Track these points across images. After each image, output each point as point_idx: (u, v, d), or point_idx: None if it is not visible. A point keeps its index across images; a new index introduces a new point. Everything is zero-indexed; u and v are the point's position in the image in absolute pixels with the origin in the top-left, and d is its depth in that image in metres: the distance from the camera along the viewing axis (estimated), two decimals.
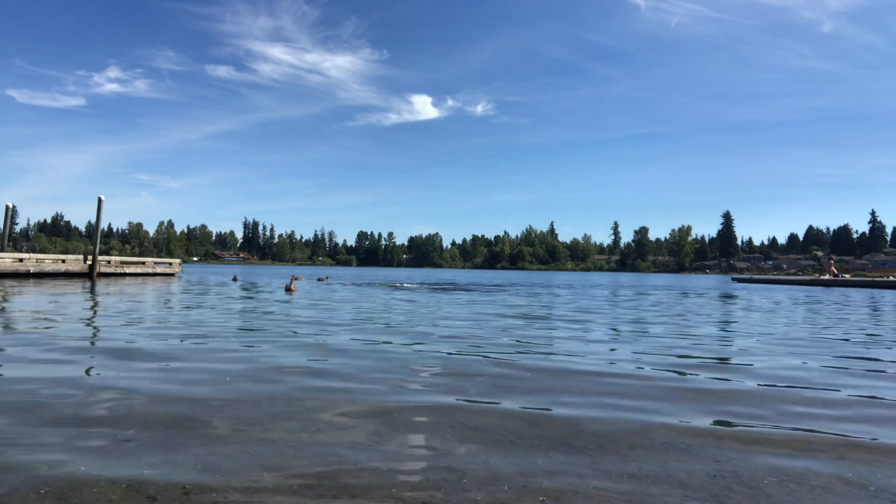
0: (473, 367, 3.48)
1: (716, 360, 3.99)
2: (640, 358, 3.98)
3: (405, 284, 17.94)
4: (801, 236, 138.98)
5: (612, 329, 5.92)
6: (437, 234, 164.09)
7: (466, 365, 3.57)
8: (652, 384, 3.08)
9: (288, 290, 12.12)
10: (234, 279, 20.58)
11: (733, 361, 3.99)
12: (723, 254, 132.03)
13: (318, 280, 20.25)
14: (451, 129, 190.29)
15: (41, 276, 15.98)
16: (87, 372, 3.14)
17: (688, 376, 3.35)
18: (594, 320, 6.88)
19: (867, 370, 3.71)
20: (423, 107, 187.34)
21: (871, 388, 3.09)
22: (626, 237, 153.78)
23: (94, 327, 5.28)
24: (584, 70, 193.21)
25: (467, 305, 9.01)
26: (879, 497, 1.61)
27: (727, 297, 14.41)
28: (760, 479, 1.72)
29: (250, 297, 9.81)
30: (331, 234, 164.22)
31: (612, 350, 4.40)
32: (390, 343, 4.50)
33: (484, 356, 3.90)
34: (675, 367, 3.67)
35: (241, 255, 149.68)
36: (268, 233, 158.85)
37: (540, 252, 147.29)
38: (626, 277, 50.67)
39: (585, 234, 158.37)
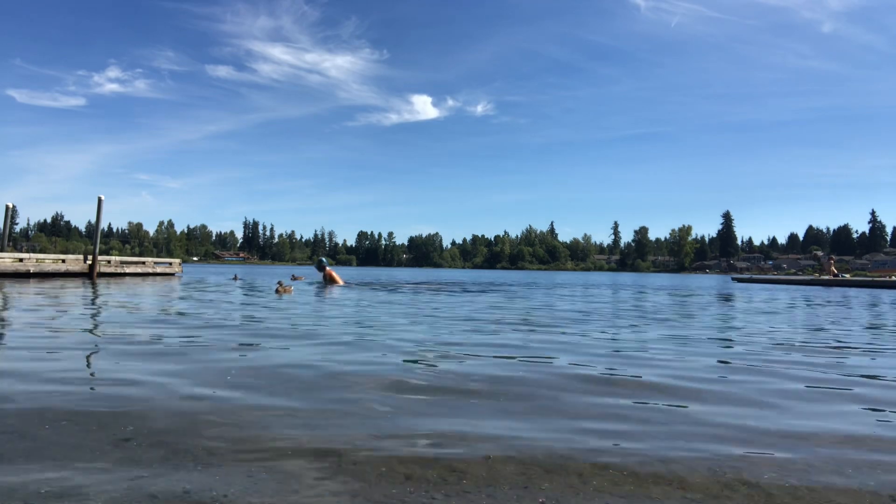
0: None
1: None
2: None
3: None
4: (801, 236, 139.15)
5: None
6: (437, 234, 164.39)
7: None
8: None
9: (278, 291, 10.86)
10: (235, 278, 20.59)
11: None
12: (723, 254, 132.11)
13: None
14: (451, 129, 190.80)
15: (41, 275, 15.97)
16: None
17: None
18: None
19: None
20: (423, 107, 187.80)
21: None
22: (626, 237, 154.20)
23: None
24: (584, 70, 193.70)
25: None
26: (879, 493, 1.61)
27: (726, 296, 14.39)
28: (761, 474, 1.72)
29: (228, 300, 9.74)
30: (331, 234, 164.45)
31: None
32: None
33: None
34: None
35: (241, 254, 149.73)
36: (268, 233, 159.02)
37: (540, 252, 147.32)
38: (624, 277, 50.65)
39: (585, 234, 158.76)
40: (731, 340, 5.09)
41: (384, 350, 4.00)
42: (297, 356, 3.68)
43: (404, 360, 3.56)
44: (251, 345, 4.15)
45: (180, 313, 6.54)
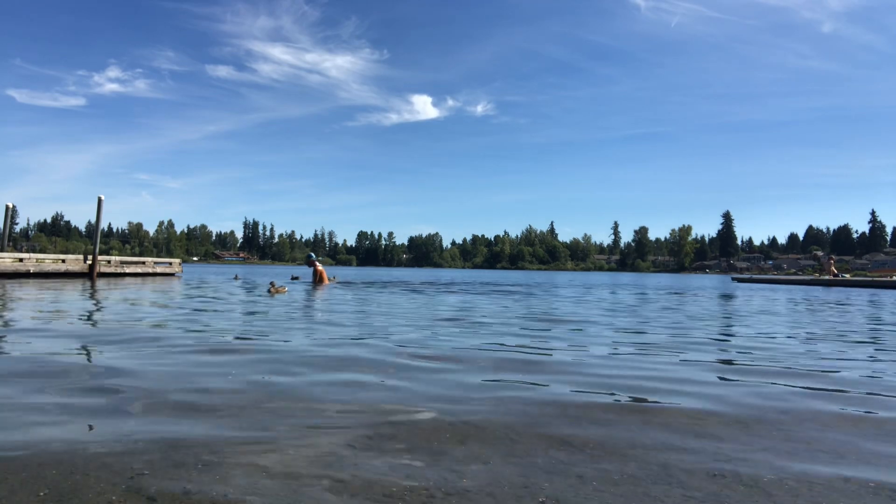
0: None
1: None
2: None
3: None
4: (801, 236, 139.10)
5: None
6: (437, 234, 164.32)
7: None
8: None
9: (270, 292, 10.71)
10: (236, 278, 20.77)
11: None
12: (723, 254, 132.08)
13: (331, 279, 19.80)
14: (451, 129, 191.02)
15: (41, 276, 15.98)
16: None
17: None
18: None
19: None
20: (423, 107, 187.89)
21: None
22: (626, 237, 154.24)
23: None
24: (584, 70, 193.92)
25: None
26: (878, 495, 1.61)
27: (727, 296, 14.39)
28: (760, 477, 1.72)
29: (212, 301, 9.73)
30: (331, 234, 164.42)
31: None
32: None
33: None
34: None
35: (241, 254, 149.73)
36: (268, 233, 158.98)
37: (540, 252, 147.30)
38: (625, 277, 50.68)
39: (585, 234, 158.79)
40: (730, 347, 5.09)
41: (371, 351, 4.00)
42: (297, 353, 3.68)
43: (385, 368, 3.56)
44: (250, 349, 4.16)
45: (177, 316, 6.55)
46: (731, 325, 6.54)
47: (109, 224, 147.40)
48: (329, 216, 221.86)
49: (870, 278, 29.05)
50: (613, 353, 4.08)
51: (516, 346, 4.38)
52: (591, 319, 6.81)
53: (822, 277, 26.27)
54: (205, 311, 6.96)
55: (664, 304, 10.43)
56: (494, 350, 4.12)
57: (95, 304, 7.67)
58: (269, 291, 10.78)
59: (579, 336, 5.12)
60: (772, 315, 8.04)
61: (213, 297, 9.48)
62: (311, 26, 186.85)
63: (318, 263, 14.96)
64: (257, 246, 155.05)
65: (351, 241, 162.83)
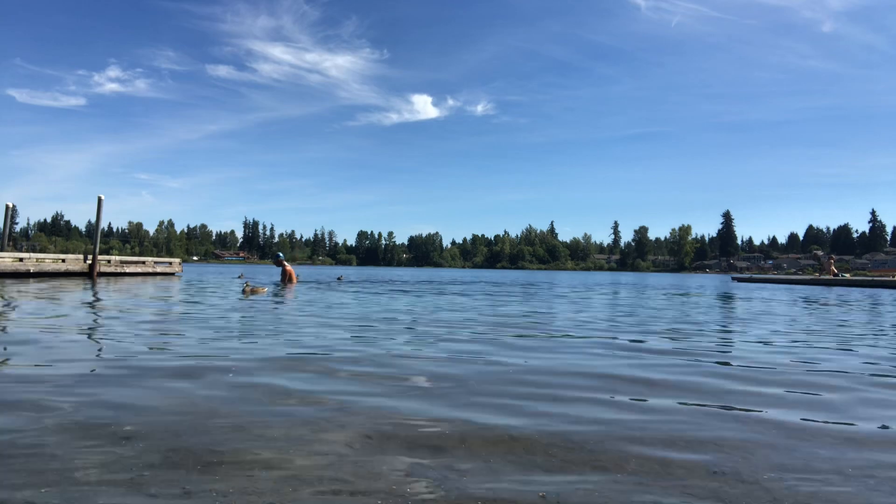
0: None
1: None
2: None
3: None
4: (801, 236, 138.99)
5: None
6: (437, 233, 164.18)
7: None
8: None
9: (245, 292, 10.10)
10: (240, 276, 21.23)
11: None
12: (723, 253, 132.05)
13: (338, 279, 19.97)
14: (451, 129, 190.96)
15: (41, 275, 15.98)
16: None
17: None
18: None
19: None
20: (424, 106, 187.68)
21: None
22: (626, 237, 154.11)
23: None
24: (584, 70, 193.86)
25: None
26: (880, 490, 1.61)
27: (727, 296, 14.38)
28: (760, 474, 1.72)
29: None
30: (331, 234, 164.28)
31: None
32: None
33: None
34: None
35: (241, 254, 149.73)
36: (268, 232, 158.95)
37: (540, 251, 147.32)
38: (625, 277, 50.66)
39: (585, 234, 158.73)
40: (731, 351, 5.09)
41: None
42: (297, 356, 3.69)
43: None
44: (248, 348, 4.17)
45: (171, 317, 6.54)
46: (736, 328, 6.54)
47: (109, 224, 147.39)
48: (329, 216, 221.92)
49: (870, 278, 29.03)
50: (624, 345, 4.08)
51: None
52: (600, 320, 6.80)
53: (822, 277, 26.26)
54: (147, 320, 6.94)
55: (668, 304, 10.42)
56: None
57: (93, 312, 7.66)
58: (243, 292, 10.16)
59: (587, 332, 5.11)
60: (778, 317, 8.02)
61: (215, 301, 9.48)
62: (312, 26, 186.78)
63: (286, 263, 15.24)
64: (257, 245, 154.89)
65: (351, 241, 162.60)
